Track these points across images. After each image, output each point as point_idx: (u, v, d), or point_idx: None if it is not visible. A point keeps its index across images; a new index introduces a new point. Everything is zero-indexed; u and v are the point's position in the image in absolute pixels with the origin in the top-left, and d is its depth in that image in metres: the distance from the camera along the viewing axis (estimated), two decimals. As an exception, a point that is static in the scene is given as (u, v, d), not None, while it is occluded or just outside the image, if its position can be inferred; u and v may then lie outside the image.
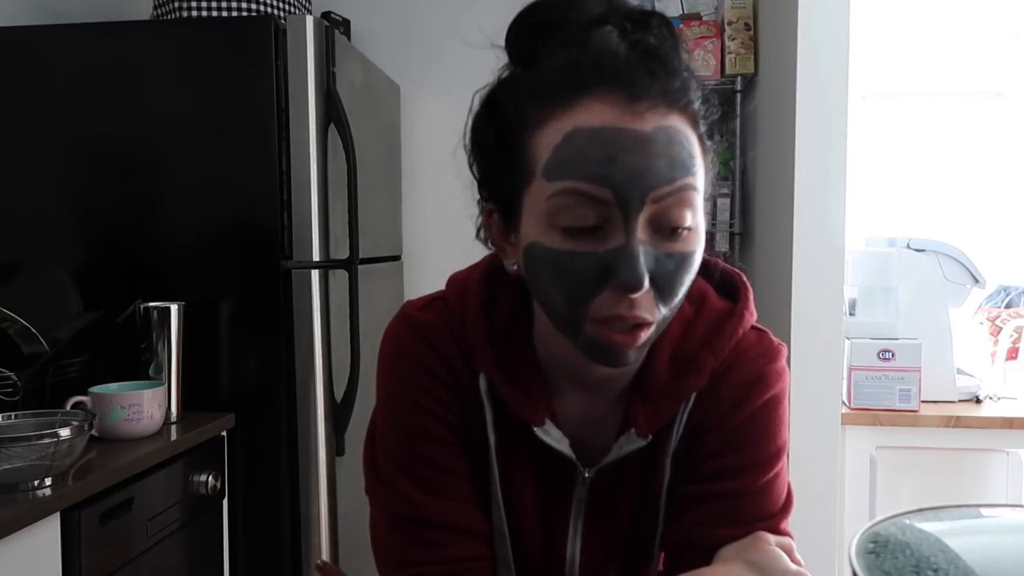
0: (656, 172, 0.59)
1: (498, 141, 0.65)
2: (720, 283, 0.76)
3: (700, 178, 0.62)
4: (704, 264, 0.71)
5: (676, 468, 0.74)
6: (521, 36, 0.66)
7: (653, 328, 0.63)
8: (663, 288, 0.62)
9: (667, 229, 0.60)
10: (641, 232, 0.60)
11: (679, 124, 0.61)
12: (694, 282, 0.70)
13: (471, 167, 0.70)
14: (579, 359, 0.68)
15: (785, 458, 0.74)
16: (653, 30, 0.63)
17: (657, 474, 0.74)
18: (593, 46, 0.61)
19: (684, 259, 0.62)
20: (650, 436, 0.71)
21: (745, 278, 0.77)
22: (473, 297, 0.74)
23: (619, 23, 0.63)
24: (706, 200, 0.65)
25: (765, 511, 0.72)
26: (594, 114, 0.59)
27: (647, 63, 0.60)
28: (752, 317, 0.74)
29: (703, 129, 0.64)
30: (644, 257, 0.59)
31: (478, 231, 0.72)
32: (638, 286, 0.59)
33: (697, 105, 0.63)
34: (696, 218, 0.62)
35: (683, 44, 0.64)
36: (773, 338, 0.76)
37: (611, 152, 0.58)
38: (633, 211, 0.59)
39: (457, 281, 0.77)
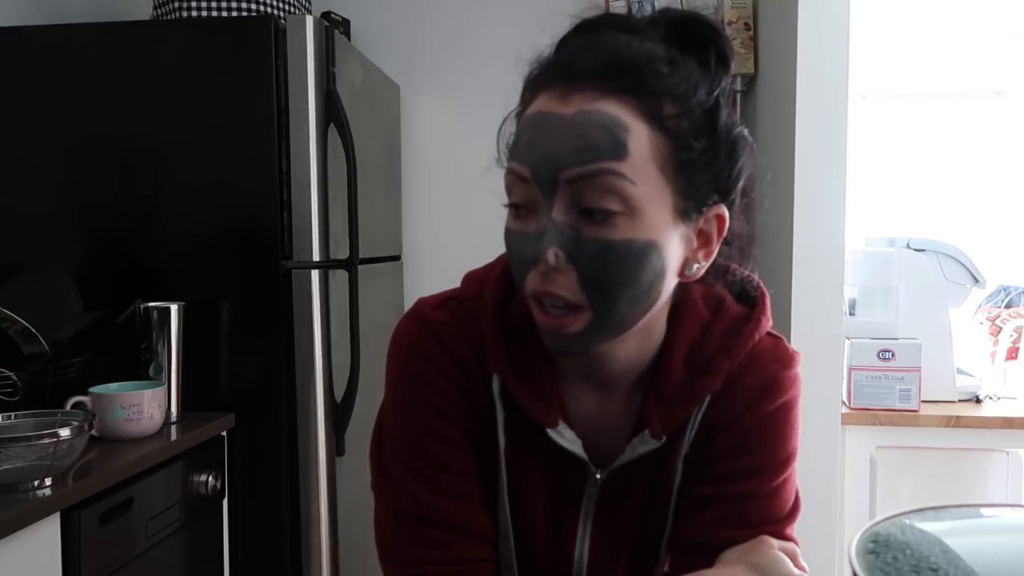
0: (567, 153, 0.60)
1: None
2: (738, 288, 0.76)
3: (635, 164, 0.60)
4: (722, 269, 0.71)
5: (687, 470, 0.74)
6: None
7: (589, 316, 0.63)
8: (586, 272, 0.62)
9: (586, 212, 0.61)
10: (563, 213, 0.61)
11: (611, 108, 0.60)
12: (711, 286, 0.71)
13: None
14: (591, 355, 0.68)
15: (795, 464, 0.74)
16: (613, 25, 0.65)
17: (668, 475, 0.74)
18: (565, 50, 0.66)
19: (608, 246, 0.61)
20: (664, 437, 0.71)
21: (763, 285, 0.76)
22: (489, 297, 0.73)
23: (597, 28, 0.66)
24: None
25: (772, 515, 0.72)
26: (539, 103, 0.63)
27: (586, 51, 0.63)
28: (768, 323, 0.74)
29: (671, 120, 0.62)
30: (560, 237, 0.61)
31: None
32: (537, 257, 0.62)
33: (654, 94, 0.61)
34: (629, 205, 0.60)
35: (657, 42, 0.64)
36: (788, 345, 0.76)
37: (532, 134, 0.63)
38: (548, 191, 0.62)
39: (473, 280, 0.76)
